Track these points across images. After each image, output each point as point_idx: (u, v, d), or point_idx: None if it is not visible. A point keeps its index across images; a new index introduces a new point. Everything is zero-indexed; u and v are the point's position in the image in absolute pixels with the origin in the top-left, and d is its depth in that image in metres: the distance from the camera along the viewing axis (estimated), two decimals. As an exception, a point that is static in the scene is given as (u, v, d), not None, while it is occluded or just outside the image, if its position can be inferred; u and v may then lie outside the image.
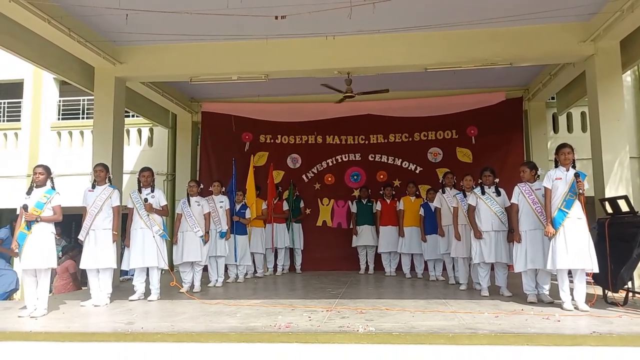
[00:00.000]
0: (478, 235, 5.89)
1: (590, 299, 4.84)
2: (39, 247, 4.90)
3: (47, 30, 6.11)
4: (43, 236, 4.96)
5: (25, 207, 4.91)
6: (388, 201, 8.41)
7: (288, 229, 8.96)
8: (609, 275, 4.93)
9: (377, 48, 7.03)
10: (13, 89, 12.08)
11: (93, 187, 5.85)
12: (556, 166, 5.10)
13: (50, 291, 7.97)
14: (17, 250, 4.94)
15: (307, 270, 9.20)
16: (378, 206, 8.50)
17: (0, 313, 5.14)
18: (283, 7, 5.70)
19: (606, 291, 5.20)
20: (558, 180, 4.96)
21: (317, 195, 9.88)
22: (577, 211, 4.85)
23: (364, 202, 8.83)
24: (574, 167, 5.01)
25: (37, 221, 4.94)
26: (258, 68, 7.39)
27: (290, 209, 9.00)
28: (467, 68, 7.24)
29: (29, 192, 5.11)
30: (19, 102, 11.96)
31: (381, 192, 8.59)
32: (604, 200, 5.70)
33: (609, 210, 5.41)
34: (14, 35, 6.26)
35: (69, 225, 11.17)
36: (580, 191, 4.80)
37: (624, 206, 5.19)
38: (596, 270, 4.78)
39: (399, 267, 8.35)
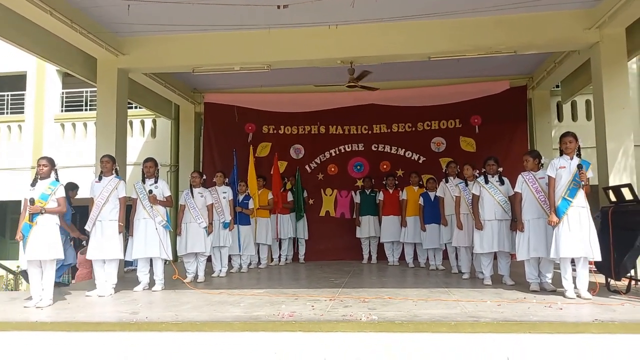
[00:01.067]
0: (479, 226, 5.90)
1: (592, 287, 4.85)
2: (43, 239, 4.93)
3: (49, 22, 6.10)
4: (47, 228, 4.99)
5: (32, 201, 4.95)
6: (391, 191, 8.41)
7: (298, 219, 9.00)
8: (612, 264, 4.92)
9: (380, 37, 6.98)
10: (16, 81, 12.12)
11: (100, 178, 5.87)
12: (561, 155, 5.08)
13: (66, 282, 7.97)
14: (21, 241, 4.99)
15: (310, 260, 9.22)
16: (380, 196, 8.50)
17: (6, 304, 5.20)
18: (285, -4, 5.67)
19: (609, 279, 5.19)
20: (562, 169, 4.94)
21: (320, 186, 9.89)
22: (580, 200, 4.84)
23: (367, 193, 8.82)
24: (578, 155, 5.00)
25: (42, 213, 4.97)
26: (260, 58, 7.36)
27: (297, 198, 9.02)
28: (471, 56, 7.18)
29: (33, 184, 5.14)
30: (23, 94, 12.00)
31: (384, 182, 8.59)
32: (607, 188, 5.67)
33: (613, 198, 5.38)
34: (17, 28, 6.26)
35: (74, 216, 11.23)
36: (583, 183, 4.79)
37: (627, 194, 5.16)
38: (599, 258, 4.78)
39: (402, 257, 8.37)
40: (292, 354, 3.69)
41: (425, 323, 3.74)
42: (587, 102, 9.91)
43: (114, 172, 5.90)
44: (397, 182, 8.58)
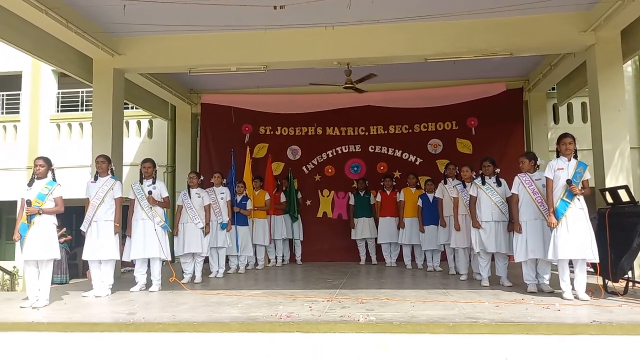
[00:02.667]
0: (476, 225, 5.90)
1: (590, 289, 4.86)
2: (40, 239, 4.91)
3: (44, 21, 6.07)
4: (45, 227, 4.97)
5: (28, 203, 4.92)
6: (388, 192, 8.40)
7: (293, 221, 8.99)
8: (609, 265, 4.94)
9: (377, 38, 6.99)
10: (12, 81, 12.05)
11: (95, 178, 5.84)
12: (557, 156, 5.10)
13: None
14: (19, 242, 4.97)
15: (307, 261, 9.21)
16: (378, 197, 8.50)
17: (2, 304, 5.17)
18: (282, -4, 5.67)
19: (606, 281, 5.21)
20: (560, 170, 4.95)
21: (318, 187, 9.88)
22: (579, 201, 4.86)
23: (362, 194, 8.83)
24: (575, 157, 5.01)
25: (40, 213, 4.95)
26: (257, 59, 7.35)
27: (293, 200, 9.01)
28: (467, 58, 7.20)
29: (30, 184, 5.12)
30: (18, 94, 11.94)
31: (381, 184, 8.59)
32: (604, 190, 5.69)
33: (610, 200, 5.41)
34: (12, 27, 6.23)
35: (70, 217, 11.20)
36: (576, 193, 4.79)
37: (624, 196, 5.19)
38: (596, 260, 4.79)
39: (400, 258, 8.37)
40: (290, 355, 3.69)
41: (423, 324, 3.74)
42: (583, 105, 9.95)
43: (109, 172, 5.88)
44: (394, 184, 8.58)
